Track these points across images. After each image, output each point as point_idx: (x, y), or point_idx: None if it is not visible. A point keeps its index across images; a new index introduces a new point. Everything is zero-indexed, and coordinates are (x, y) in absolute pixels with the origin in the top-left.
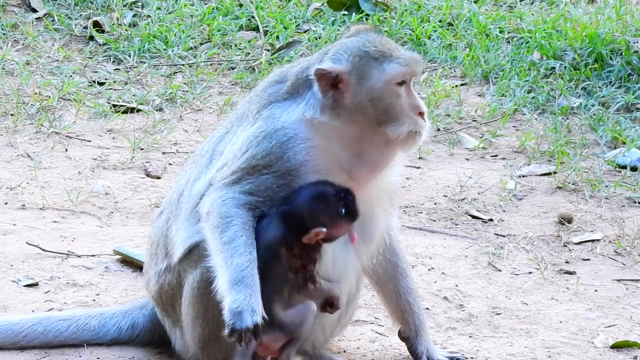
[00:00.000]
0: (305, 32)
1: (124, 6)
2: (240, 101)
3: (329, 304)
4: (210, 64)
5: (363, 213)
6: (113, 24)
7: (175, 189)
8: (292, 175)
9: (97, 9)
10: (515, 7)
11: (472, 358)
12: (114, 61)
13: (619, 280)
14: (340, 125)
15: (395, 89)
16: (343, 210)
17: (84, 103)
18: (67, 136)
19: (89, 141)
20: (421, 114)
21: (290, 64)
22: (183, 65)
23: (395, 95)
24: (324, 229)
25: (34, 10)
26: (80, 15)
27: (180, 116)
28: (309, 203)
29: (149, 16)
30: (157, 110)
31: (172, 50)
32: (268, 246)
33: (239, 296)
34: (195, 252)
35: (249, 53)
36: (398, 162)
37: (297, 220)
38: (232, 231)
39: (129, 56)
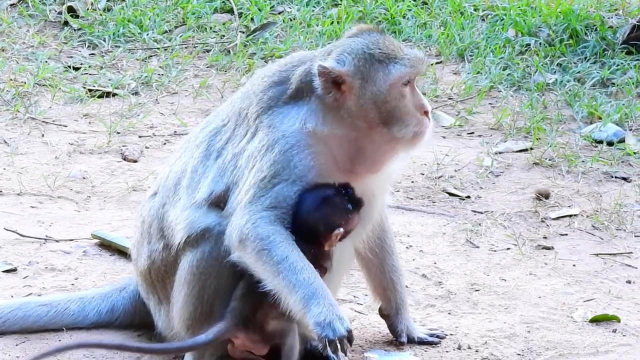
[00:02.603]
0: (279, 13)
1: None
2: (236, 92)
3: None
4: (185, 47)
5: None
6: (87, 9)
7: (170, 174)
8: (302, 181)
9: None
10: None
11: (451, 335)
12: (89, 46)
13: (597, 255)
14: (340, 133)
15: (400, 90)
16: (350, 206)
17: (60, 88)
18: (43, 121)
19: (65, 126)
20: (426, 112)
21: (285, 61)
22: (158, 48)
23: (400, 96)
24: (341, 229)
25: None
26: (55, 0)
27: (156, 99)
28: (317, 211)
29: (123, 0)
30: (132, 94)
31: (147, 34)
32: None
33: (321, 308)
34: (199, 235)
35: (223, 35)
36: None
37: (313, 231)
38: (280, 249)
39: (104, 41)
